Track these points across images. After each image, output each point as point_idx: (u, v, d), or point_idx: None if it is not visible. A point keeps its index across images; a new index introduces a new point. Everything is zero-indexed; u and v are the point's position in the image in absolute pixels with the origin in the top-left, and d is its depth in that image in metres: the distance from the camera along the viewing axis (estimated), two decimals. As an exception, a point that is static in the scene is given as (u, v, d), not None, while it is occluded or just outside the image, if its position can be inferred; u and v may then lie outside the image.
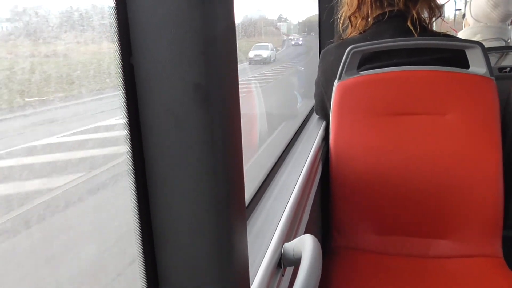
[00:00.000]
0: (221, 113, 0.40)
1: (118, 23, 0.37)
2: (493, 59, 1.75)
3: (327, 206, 1.29)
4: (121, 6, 0.37)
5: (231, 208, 0.43)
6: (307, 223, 0.91)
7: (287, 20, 3.03)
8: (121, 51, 0.38)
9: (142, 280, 0.42)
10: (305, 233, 0.80)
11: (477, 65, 1.18)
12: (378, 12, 1.29)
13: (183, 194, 0.40)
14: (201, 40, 0.38)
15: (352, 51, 1.20)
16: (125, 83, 0.38)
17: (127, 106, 0.39)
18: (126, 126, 0.39)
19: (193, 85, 0.38)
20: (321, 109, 1.44)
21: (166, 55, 0.38)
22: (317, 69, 1.42)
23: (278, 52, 2.83)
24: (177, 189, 0.40)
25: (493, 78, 1.16)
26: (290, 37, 3.15)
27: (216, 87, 0.39)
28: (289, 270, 0.69)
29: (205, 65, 0.39)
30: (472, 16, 2.06)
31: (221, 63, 0.40)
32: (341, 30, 1.44)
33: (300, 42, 3.31)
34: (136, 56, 0.38)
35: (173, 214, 0.41)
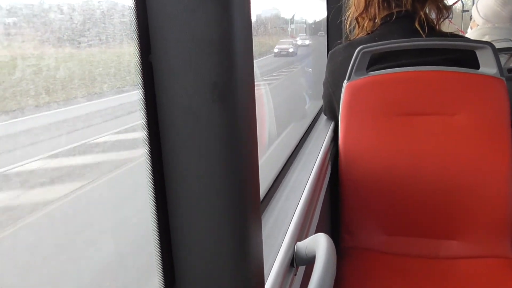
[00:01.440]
0: (237, 111, 0.40)
1: (137, 21, 0.38)
2: (502, 60, 1.75)
3: (337, 207, 1.29)
4: (140, 5, 0.38)
5: (247, 206, 0.43)
6: (318, 223, 0.91)
7: (302, 19, 2.75)
8: (140, 49, 0.38)
9: (159, 277, 0.42)
10: (315, 233, 0.80)
11: (487, 66, 1.17)
12: (386, 13, 1.29)
13: (200, 191, 0.41)
14: (218, 39, 0.38)
15: (362, 51, 1.20)
16: (143, 80, 0.39)
17: (146, 103, 0.39)
18: (145, 124, 0.39)
19: (211, 83, 0.39)
20: (329, 110, 1.44)
21: (184, 53, 0.38)
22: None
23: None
24: (195, 186, 0.41)
25: (503, 78, 1.16)
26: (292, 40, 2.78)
27: (233, 85, 0.40)
28: (301, 269, 0.69)
29: (223, 64, 0.39)
30: (481, 16, 2.04)
31: (238, 62, 0.40)
32: (348, 31, 1.44)
33: (291, 50, 2.77)
34: (155, 54, 0.38)
35: (190, 211, 0.41)
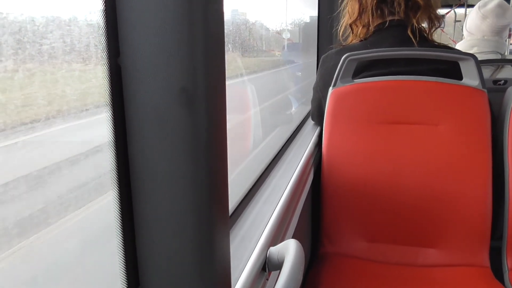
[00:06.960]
0: (206, 117, 0.40)
1: (106, 23, 0.38)
2: (488, 71, 1.76)
3: (318, 212, 1.30)
4: (110, 6, 0.38)
5: (214, 211, 0.43)
6: (296, 228, 0.91)
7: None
8: (108, 51, 0.38)
9: (122, 280, 0.42)
10: (292, 238, 0.80)
11: (470, 77, 1.19)
12: (379, 21, 1.30)
13: (166, 196, 0.41)
14: (189, 44, 0.38)
15: (348, 59, 1.21)
16: (111, 83, 0.39)
17: (113, 106, 0.39)
18: (111, 126, 0.39)
19: (179, 88, 0.39)
20: (318, 114, 1.45)
21: (154, 56, 0.38)
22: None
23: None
24: (161, 191, 0.41)
25: (485, 90, 1.17)
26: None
27: (202, 91, 0.40)
28: (275, 274, 0.70)
29: (192, 69, 0.39)
30: (466, 29, 2.09)
31: (208, 68, 0.40)
32: (341, 40, 1.45)
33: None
34: (123, 56, 0.38)
35: (155, 215, 0.41)
